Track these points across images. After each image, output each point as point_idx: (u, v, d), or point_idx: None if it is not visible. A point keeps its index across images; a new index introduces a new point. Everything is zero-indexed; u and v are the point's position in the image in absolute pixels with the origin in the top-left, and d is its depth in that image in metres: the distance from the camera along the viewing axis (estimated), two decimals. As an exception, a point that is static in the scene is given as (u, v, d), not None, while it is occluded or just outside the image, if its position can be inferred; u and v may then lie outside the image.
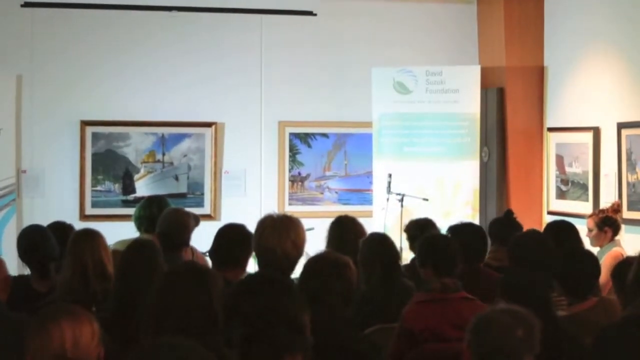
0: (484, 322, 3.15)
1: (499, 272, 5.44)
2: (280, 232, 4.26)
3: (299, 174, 8.98)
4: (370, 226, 7.73)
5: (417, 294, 4.55)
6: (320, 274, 3.93)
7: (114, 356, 3.30)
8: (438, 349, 4.24)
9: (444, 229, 6.17)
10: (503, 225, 6.13)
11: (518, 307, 3.24)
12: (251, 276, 4.24)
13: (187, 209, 6.06)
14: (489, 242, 6.03)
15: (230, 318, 3.25)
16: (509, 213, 6.36)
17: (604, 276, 5.21)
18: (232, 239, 4.73)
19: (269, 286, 3.16)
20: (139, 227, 6.12)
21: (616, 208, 6.83)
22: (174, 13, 8.77)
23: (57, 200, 8.57)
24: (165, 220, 5.67)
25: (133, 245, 4.60)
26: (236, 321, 3.04)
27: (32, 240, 5.34)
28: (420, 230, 5.95)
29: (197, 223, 5.88)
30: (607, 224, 6.53)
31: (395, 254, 5.24)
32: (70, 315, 2.98)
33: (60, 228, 5.80)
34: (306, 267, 4.03)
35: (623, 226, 6.99)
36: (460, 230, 5.65)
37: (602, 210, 6.75)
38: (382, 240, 5.25)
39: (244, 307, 3.03)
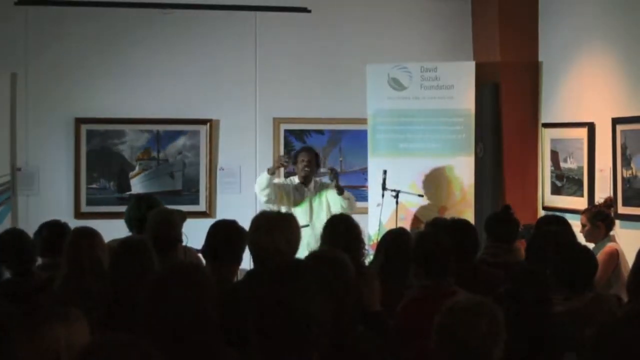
0: (447, 324, 3.05)
1: (495, 267, 5.44)
2: (274, 230, 4.25)
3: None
4: (365, 223, 7.73)
5: (409, 292, 4.55)
6: (317, 271, 3.86)
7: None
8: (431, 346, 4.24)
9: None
10: (500, 221, 6.09)
11: (477, 297, 3.15)
12: (261, 271, 4.18)
13: (172, 207, 6.09)
14: (485, 237, 6.03)
15: (240, 314, 3.18)
16: (507, 209, 6.34)
17: (598, 271, 5.20)
18: (224, 234, 4.71)
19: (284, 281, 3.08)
20: (130, 229, 6.09)
21: (609, 203, 6.83)
22: (168, 10, 8.76)
23: (52, 198, 8.56)
24: (151, 222, 5.65)
25: (122, 245, 4.58)
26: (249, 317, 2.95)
27: (8, 244, 5.34)
28: None
29: (183, 218, 5.87)
30: (600, 218, 6.53)
31: None
32: (61, 316, 2.95)
33: (55, 226, 5.81)
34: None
35: (618, 222, 7.00)
36: (452, 227, 5.63)
37: (595, 206, 6.76)
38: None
39: (260, 302, 2.94)
